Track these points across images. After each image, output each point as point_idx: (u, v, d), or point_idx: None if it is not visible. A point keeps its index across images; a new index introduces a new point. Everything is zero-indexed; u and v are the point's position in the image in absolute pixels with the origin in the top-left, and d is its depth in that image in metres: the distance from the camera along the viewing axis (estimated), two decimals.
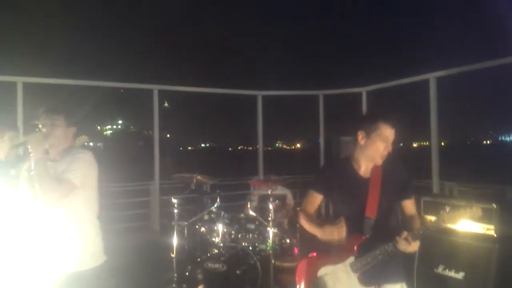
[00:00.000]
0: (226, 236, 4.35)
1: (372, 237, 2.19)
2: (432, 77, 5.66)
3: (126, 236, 6.46)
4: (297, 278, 2.42)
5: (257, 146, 7.49)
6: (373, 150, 2.22)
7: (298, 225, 4.66)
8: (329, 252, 2.28)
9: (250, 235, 4.36)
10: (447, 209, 2.09)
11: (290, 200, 5.28)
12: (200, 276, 4.00)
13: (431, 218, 3.47)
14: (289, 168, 11.86)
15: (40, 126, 2.25)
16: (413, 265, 3.45)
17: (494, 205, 3.13)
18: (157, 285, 4.51)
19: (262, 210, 4.62)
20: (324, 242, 2.26)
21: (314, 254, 2.38)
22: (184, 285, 4.14)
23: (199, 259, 4.07)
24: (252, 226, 4.40)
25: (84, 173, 2.23)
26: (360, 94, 6.91)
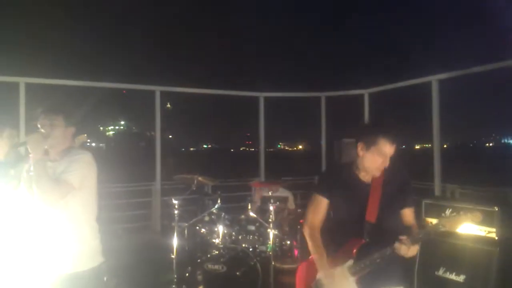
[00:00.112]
0: (227, 237, 4.34)
1: (371, 241, 2.19)
2: (434, 79, 5.65)
3: (127, 237, 6.47)
4: (297, 281, 2.42)
5: (259, 148, 7.49)
6: (371, 162, 2.23)
7: (298, 227, 4.66)
8: (329, 256, 2.27)
9: (251, 236, 4.35)
10: (447, 213, 2.08)
11: (291, 202, 5.28)
12: (200, 277, 3.99)
13: (432, 220, 3.46)
14: (290, 170, 11.84)
15: (39, 126, 2.25)
16: (412, 268, 3.44)
17: (496, 208, 3.12)
18: (157, 286, 4.52)
19: (264, 211, 4.62)
20: (326, 244, 2.27)
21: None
22: (184, 286, 4.13)
23: (199, 260, 4.06)
24: (253, 228, 4.39)
25: (83, 174, 2.22)
26: (362, 96, 6.91)
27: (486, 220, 3.10)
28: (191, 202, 5.25)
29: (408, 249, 2.06)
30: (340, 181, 2.34)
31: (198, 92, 7.88)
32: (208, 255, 4.08)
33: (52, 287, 2.22)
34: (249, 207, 4.56)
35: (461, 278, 3.17)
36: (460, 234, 3.25)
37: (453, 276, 3.22)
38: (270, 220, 4.15)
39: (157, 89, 6.78)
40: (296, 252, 4.58)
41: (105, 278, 2.36)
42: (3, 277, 2.35)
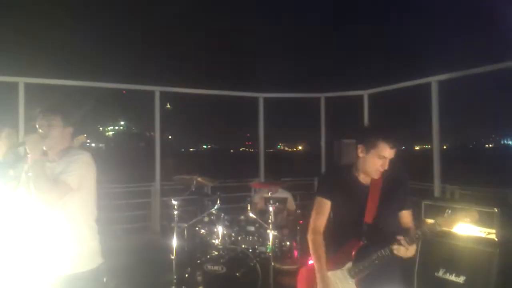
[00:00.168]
0: (226, 238, 4.34)
1: (370, 242, 2.20)
2: (434, 80, 5.65)
3: (126, 237, 6.46)
4: (298, 285, 2.41)
5: (259, 148, 7.49)
6: (370, 165, 2.25)
7: (298, 227, 4.65)
8: (328, 259, 2.27)
9: (250, 237, 4.35)
10: (445, 213, 2.09)
11: (291, 202, 5.27)
12: (199, 278, 3.99)
13: (431, 221, 3.46)
14: (290, 171, 11.83)
15: (37, 127, 2.24)
16: (411, 269, 3.43)
17: (495, 209, 3.11)
18: (156, 287, 4.51)
19: (264, 212, 4.61)
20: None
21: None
22: (183, 287, 4.12)
23: (198, 261, 4.05)
24: (252, 229, 4.39)
25: (81, 174, 2.21)
26: (361, 96, 6.92)
27: (486, 221, 3.10)
28: (191, 202, 5.25)
29: (406, 250, 2.07)
30: (340, 183, 2.35)
31: (197, 92, 7.88)
32: (208, 256, 4.07)
33: None
34: (249, 208, 4.56)
35: (461, 279, 3.17)
36: (460, 235, 3.25)
37: (453, 277, 3.22)
38: (269, 221, 4.15)
39: (157, 89, 6.78)
40: (295, 253, 4.58)
41: (104, 279, 2.35)
42: (3, 278, 2.34)
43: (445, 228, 2.10)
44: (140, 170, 13.77)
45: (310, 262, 2.37)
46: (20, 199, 2.29)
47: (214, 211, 4.54)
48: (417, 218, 3.40)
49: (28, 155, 2.12)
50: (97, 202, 2.37)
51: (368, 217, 2.23)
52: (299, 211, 5.11)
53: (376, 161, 2.22)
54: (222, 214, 4.48)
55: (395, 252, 2.08)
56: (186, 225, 4.60)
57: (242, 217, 4.51)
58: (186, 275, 4.11)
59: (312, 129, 8.22)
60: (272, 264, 4.10)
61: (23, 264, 2.31)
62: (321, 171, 7.31)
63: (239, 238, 4.35)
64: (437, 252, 3.35)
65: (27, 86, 5.65)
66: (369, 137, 2.26)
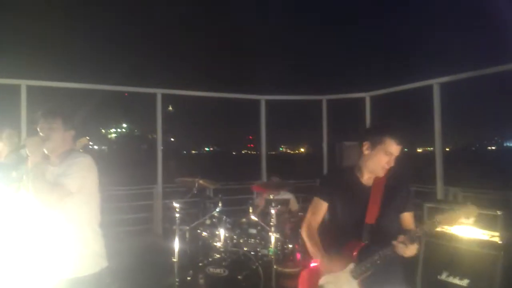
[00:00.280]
0: (228, 241, 4.32)
1: (371, 243, 2.20)
2: (435, 83, 5.64)
3: (128, 240, 6.46)
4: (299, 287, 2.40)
5: (261, 150, 7.49)
6: (376, 162, 2.24)
7: (300, 230, 4.63)
8: (330, 260, 2.26)
9: (252, 240, 4.34)
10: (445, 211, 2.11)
11: (293, 204, 5.26)
12: (201, 281, 3.97)
13: (431, 220, 3.45)
14: (292, 173, 11.84)
15: (38, 130, 2.24)
16: (414, 270, 3.42)
17: (499, 212, 3.10)
18: None
19: (265, 215, 4.60)
20: (326, 248, 2.25)
21: (316, 263, 2.36)
22: None
23: (200, 264, 4.04)
24: (254, 231, 4.37)
25: (81, 177, 2.20)
26: (363, 99, 6.91)
27: (490, 224, 3.09)
28: (193, 205, 5.24)
29: (407, 248, 2.06)
30: (342, 184, 2.35)
31: (199, 95, 7.90)
32: (210, 259, 4.06)
33: None
34: (251, 210, 4.55)
35: (464, 283, 3.15)
36: (463, 238, 3.23)
37: (456, 281, 3.20)
38: (271, 223, 4.13)
39: (158, 91, 6.79)
40: (298, 255, 4.56)
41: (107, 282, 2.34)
42: (5, 280, 2.34)
43: (445, 226, 2.09)
44: (142, 172, 13.79)
45: (312, 264, 2.36)
46: (23, 201, 2.29)
47: (216, 214, 4.53)
48: (420, 221, 3.38)
49: (29, 158, 2.12)
50: (101, 206, 2.36)
51: (370, 218, 2.22)
52: (301, 213, 5.09)
53: (382, 158, 2.21)
54: (224, 217, 4.47)
55: (395, 250, 2.07)
56: (188, 227, 4.59)
57: (244, 219, 4.50)
58: (188, 278, 4.10)
59: (314, 131, 8.22)
60: (274, 266, 4.09)
61: (26, 267, 2.30)
62: (323, 173, 7.31)
63: (241, 240, 4.34)
64: (440, 255, 3.33)
65: (29, 88, 5.66)
66: (375, 133, 2.26)
